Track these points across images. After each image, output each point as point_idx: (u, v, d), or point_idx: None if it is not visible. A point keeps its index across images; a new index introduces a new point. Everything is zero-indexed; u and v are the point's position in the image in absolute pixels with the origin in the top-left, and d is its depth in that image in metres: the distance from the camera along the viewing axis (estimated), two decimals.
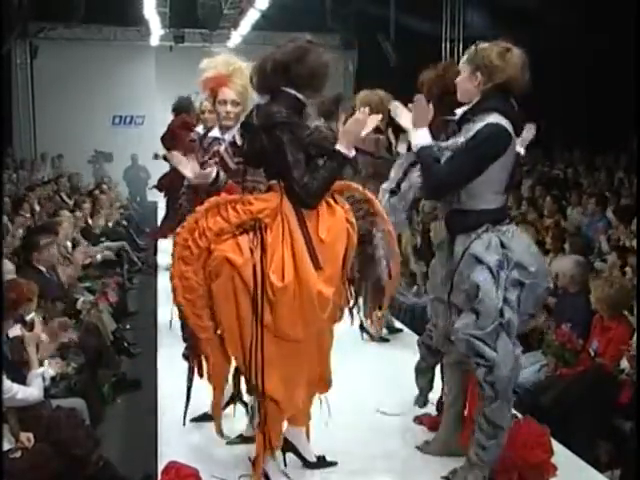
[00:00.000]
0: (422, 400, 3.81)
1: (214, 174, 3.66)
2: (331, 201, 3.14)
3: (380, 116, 3.28)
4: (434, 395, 4.05)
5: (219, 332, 3.11)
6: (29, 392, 3.94)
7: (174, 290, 3.06)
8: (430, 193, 3.27)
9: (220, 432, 3.34)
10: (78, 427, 4.03)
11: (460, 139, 3.13)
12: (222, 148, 3.81)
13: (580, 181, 10.73)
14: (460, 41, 13.32)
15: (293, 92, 3.08)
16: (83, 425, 4.15)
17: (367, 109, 3.10)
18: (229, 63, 3.76)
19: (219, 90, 3.80)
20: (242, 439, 3.59)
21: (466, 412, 3.53)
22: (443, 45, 13.61)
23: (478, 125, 3.08)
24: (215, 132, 4.02)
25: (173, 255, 3.07)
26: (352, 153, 3.10)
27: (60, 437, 3.87)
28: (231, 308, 3.02)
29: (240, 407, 3.59)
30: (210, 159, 3.88)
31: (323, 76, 3.11)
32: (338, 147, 3.07)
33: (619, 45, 10.33)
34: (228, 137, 3.84)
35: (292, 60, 3.05)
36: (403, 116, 3.32)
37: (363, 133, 3.17)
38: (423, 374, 3.74)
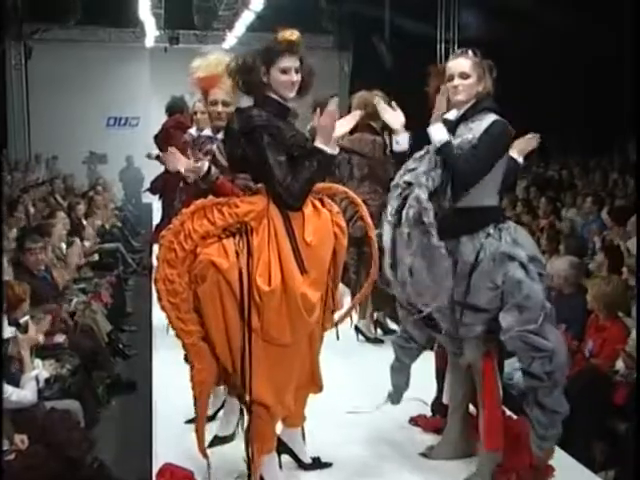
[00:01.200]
0: (396, 397, 3.80)
1: (205, 167, 3.64)
2: (317, 204, 3.11)
3: (360, 112, 3.29)
4: (429, 396, 4.06)
5: (204, 337, 3.04)
6: (23, 395, 3.93)
7: (158, 293, 3.00)
8: (463, 182, 3.24)
9: (203, 451, 3.18)
10: (72, 429, 4.02)
11: (468, 136, 3.22)
12: (214, 146, 3.79)
13: (574, 182, 10.75)
14: (455, 43, 13.33)
15: (273, 95, 3.07)
16: (77, 427, 4.14)
17: (336, 99, 3.08)
18: (220, 63, 3.70)
19: (210, 91, 3.79)
20: (219, 440, 3.58)
21: (483, 413, 3.45)
22: (438, 46, 13.62)
23: (481, 123, 3.22)
24: (207, 131, 3.99)
25: (158, 258, 3.01)
26: (335, 150, 3.06)
27: (54, 439, 3.85)
28: (218, 312, 2.98)
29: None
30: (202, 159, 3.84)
31: (258, 82, 3.05)
32: (317, 145, 3.03)
33: (614, 47, 10.37)
34: (220, 136, 3.78)
35: (243, 71, 3.05)
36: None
37: (344, 130, 3.19)
38: (398, 373, 3.74)
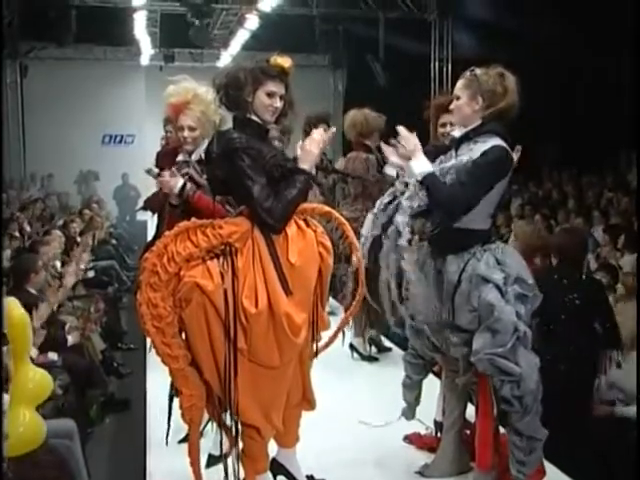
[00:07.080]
0: (410, 414, 3.80)
1: (179, 184, 3.73)
2: (302, 224, 3.08)
3: (334, 129, 3.29)
4: (429, 414, 4.04)
5: (191, 361, 3.01)
6: None
7: (142, 318, 2.95)
8: (449, 215, 3.22)
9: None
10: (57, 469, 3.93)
11: (464, 158, 3.17)
12: (190, 169, 3.87)
13: (567, 200, 10.80)
14: (448, 61, 13.45)
15: (254, 117, 3.08)
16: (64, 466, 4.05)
17: (322, 129, 3.11)
18: (188, 90, 3.82)
19: (178, 117, 3.89)
20: (213, 459, 3.52)
21: (477, 432, 3.46)
22: (432, 65, 13.72)
23: (482, 146, 3.15)
24: (181, 156, 4.06)
25: (141, 281, 2.97)
26: (314, 171, 3.12)
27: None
28: (204, 335, 2.95)
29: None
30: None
31: (245, 97, 3.04)
32: (301, 166, 3.04)
33: (609, 65, 10.46)
34: (195, 157, 3.91)
35: (232, 86, 3.04)
36: (392, 155, 3.35)
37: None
38: (410, 389, 3.74)
